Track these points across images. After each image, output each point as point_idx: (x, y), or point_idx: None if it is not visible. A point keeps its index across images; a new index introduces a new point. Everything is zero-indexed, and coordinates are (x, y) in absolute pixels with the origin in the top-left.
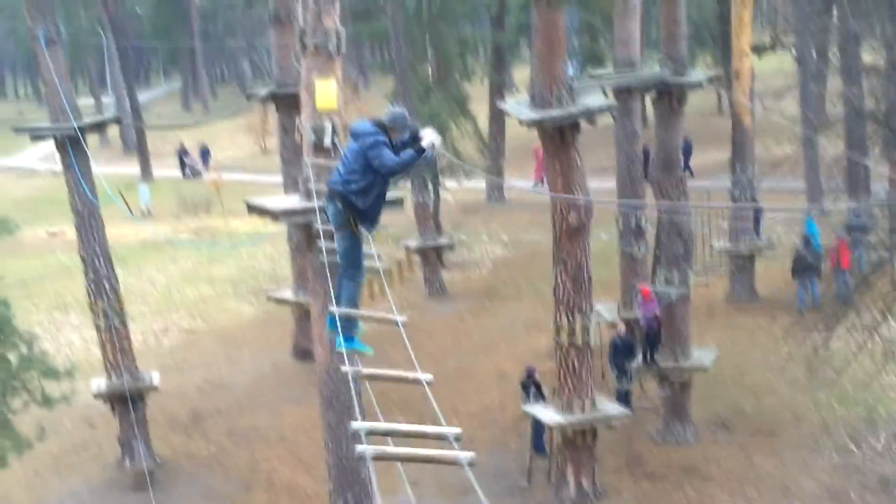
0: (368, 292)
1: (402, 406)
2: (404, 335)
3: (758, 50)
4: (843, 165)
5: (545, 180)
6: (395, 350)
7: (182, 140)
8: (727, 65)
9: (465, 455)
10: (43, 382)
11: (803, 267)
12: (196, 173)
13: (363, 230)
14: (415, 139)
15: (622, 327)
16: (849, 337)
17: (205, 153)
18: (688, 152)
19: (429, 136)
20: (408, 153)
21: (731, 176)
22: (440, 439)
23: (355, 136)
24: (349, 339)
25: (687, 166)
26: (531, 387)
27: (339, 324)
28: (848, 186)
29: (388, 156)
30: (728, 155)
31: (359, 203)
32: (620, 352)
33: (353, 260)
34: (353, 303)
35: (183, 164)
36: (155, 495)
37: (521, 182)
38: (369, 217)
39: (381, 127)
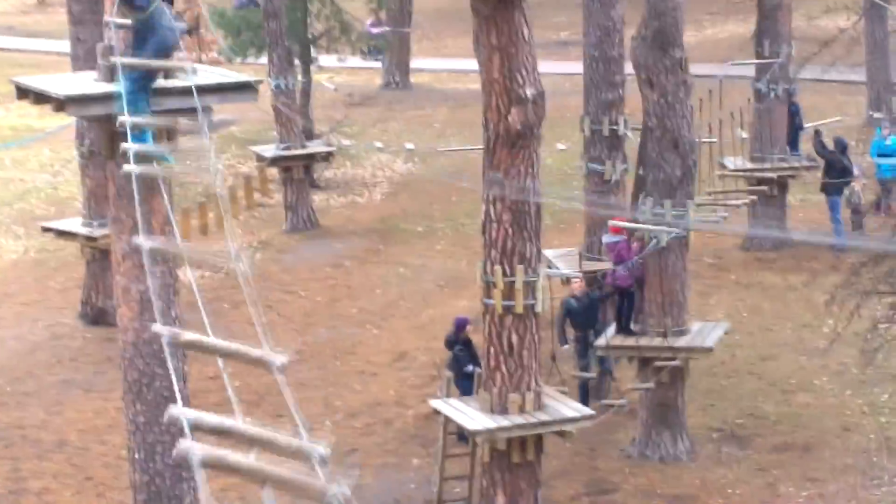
0: (199, 221)
1: (253, 398)
2: (249, 288)
3: None
4: None
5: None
6: (236, 312)
7: None
8: None
9: (337, 487)
10: None
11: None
12: None
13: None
14: None
15: (580, 284)
16: None
17: None
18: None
19: None
20: None
21: (756, 60)
22: (299, 452)
23: None
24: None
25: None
26: (462, 352)
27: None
28: None
29: None
30: (751, 28)
31: None
32: (579, 321)
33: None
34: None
35: None
36: None
37: (436, 62)
38: None
39: None
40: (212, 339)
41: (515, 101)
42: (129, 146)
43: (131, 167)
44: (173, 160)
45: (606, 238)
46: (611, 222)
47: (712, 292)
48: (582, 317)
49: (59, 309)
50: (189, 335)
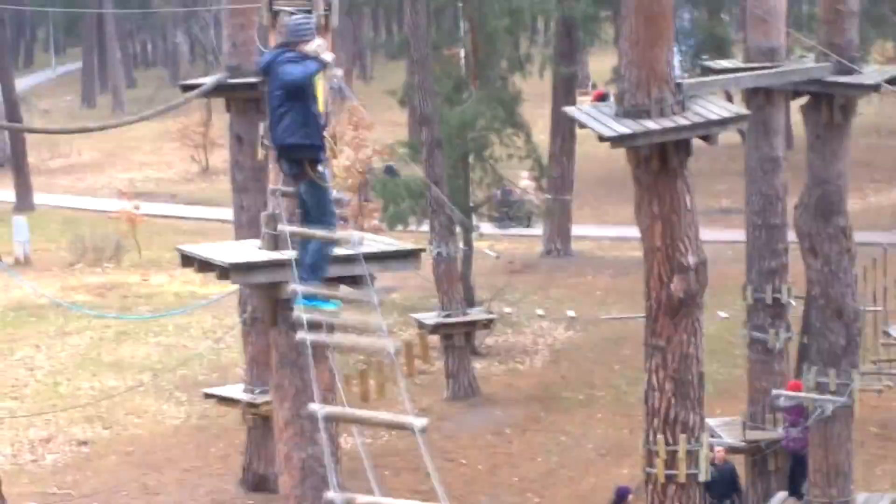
0: (360, 388)
1: None
2: (423, 450)
3: None
4: None
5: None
6: (397, 479)
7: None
8: None
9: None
10: None
11: None
12: None
13: (321, 171)
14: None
15: (721, 453)
16: None
17: None
18: None
19: (314, 46)
20: (308, 63)
21: None
22: None
23: (269, 71)
24: (311, 299)
25: None
26: None
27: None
28: None
29: (289, 69)
30: None
31: (301, 141)
32: (717, 491)
33: (322, 210)
34: (324, 261)
35: None
36: None
37: (597, 230)
38: (315, 145)
39: (285, 46)
40: (389, 501)
41: (678, 270)
42: (301, 314)
43: (304, 335)
44: (337, 305)
45: (785, 401)
46: (782, 393)
47: (878, 462)
48: (720, 487)
49: (220, 475)
50: (365, 498)
